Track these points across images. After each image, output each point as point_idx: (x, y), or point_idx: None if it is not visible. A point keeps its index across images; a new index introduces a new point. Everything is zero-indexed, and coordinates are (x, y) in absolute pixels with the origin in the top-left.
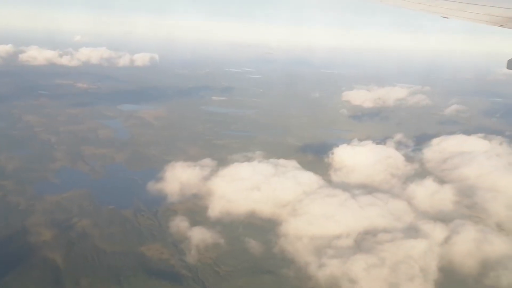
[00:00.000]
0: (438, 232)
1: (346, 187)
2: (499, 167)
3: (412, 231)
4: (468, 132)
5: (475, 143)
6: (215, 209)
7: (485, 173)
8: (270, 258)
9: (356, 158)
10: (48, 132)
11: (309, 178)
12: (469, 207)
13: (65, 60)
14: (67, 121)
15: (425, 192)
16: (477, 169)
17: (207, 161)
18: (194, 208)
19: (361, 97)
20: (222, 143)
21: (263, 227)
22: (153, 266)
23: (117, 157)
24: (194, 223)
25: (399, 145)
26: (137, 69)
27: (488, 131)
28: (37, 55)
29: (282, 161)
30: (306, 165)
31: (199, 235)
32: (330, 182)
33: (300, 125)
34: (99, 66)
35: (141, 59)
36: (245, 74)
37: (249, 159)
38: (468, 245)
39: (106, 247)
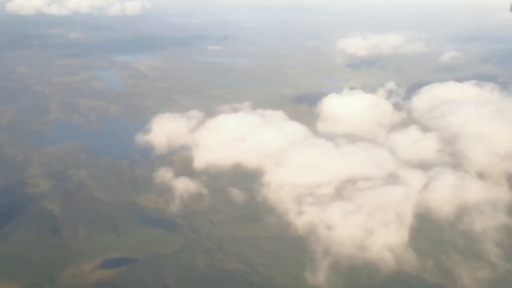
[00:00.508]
0: (417, 179)
1: (331, 137)
2: (486, 114)
3: (392, 179)
4: (463, 78)
5: (466, 90)
6: (203, 160)
7: (471, 121)
8: (255, 207)
9: (344, 107)
10: (42, 84)
11: (295, 129)
12: (451, 155)
13: (53, 9)
14: (60, 73)
15: (409, 141)
16: (463, 117)
17: (197, 112)
18: (186, 158)
19: (356, 45)
20: (217, 94)
21: (248, 177)
22: (149, 215)
23: (112, 109)
24: (187, 173)
25: (390, 94)
26: (129, 18)
27: (482, 78)
28: (25, 4)
29: (269, 111)
30: (296, 115)
31: (192, 186)
32: (316, 132)
33: (296, 74)
34: (90, 15)
35: (132, 7)
36: (240, 22)
37: (237, 110)
38: (445, 192)
39: (103, 197)
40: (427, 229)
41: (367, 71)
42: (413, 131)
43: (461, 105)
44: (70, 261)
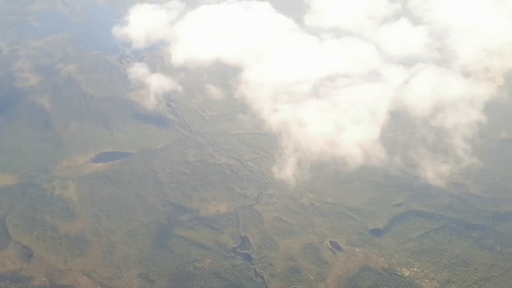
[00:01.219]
0: (398, 76)
1: (317, 30)
2: (482, 6)
3: (372, 76)
4: None
5: None
6: (182, 55)
7: (465, 13)
8: (232, 104)
9: None
10: None
11: (280, 22)
12: (439, 50)
13: None
14: None
15: (397, 35)
16: (458, 9)
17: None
18: (168, 54)
19: None
20: None
21: (228, 73)
22: (140, 111)
23: None
24: (170, 70)
25: None
26: None
27: None
28: None
29: (254, 3)
30: (284, 7)
31: (171, 82)
32: (302, 26)
33: None
34: None
35: None
36: None
37: (220, 1)
38: (424, 88)
39: (93, 92)
40: (399, 126)
41: None
42: (404, 25)
43: None
44: (64, 154)
